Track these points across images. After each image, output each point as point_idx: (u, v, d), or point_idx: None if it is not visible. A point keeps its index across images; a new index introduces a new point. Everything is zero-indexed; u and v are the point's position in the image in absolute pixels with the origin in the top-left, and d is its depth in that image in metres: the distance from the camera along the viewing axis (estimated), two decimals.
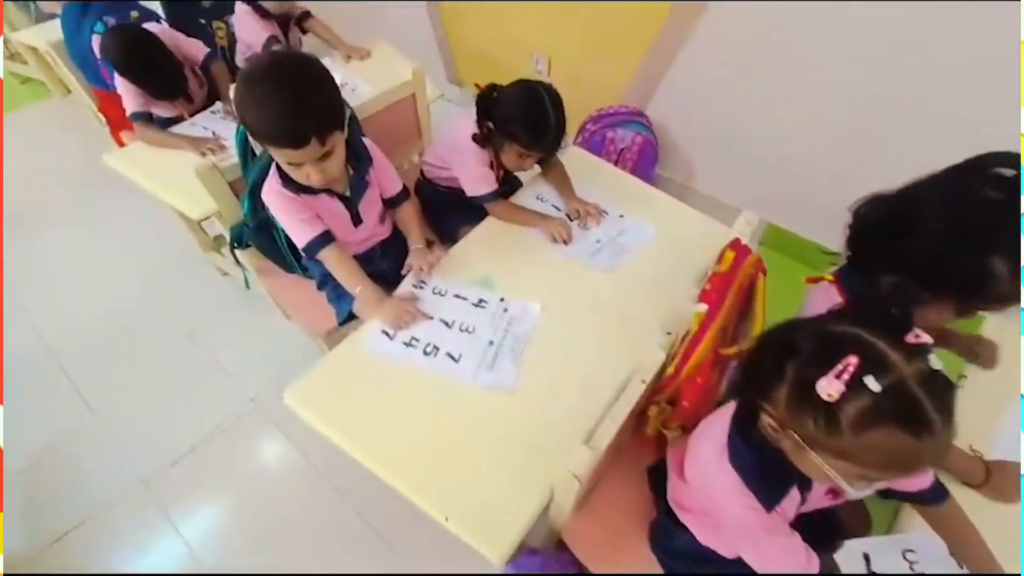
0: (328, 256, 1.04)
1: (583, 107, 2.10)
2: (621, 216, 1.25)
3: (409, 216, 1.18)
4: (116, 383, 1.62)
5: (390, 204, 1.19)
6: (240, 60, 1.81)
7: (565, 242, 1.15)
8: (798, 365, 0.54)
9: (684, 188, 1.97)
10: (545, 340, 1.00)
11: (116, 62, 1.37)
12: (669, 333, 0.94)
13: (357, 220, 1.11)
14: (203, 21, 1.85)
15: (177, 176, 1.30)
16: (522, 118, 1.10)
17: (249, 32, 1.66)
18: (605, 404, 0.84)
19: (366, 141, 1.11)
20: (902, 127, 1.45)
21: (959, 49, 1.26)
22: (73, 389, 1.60)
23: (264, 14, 1.63)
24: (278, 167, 0.98)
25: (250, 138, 1.04)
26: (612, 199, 1.28)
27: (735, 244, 0.96)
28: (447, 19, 2.29)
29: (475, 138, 1.16)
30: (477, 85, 1.22)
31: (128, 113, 1.43)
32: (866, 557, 0.71)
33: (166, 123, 1.50)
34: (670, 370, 0.82)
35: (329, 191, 1.03)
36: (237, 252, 1.29)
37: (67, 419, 1.53)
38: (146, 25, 1.46)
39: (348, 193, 1.07)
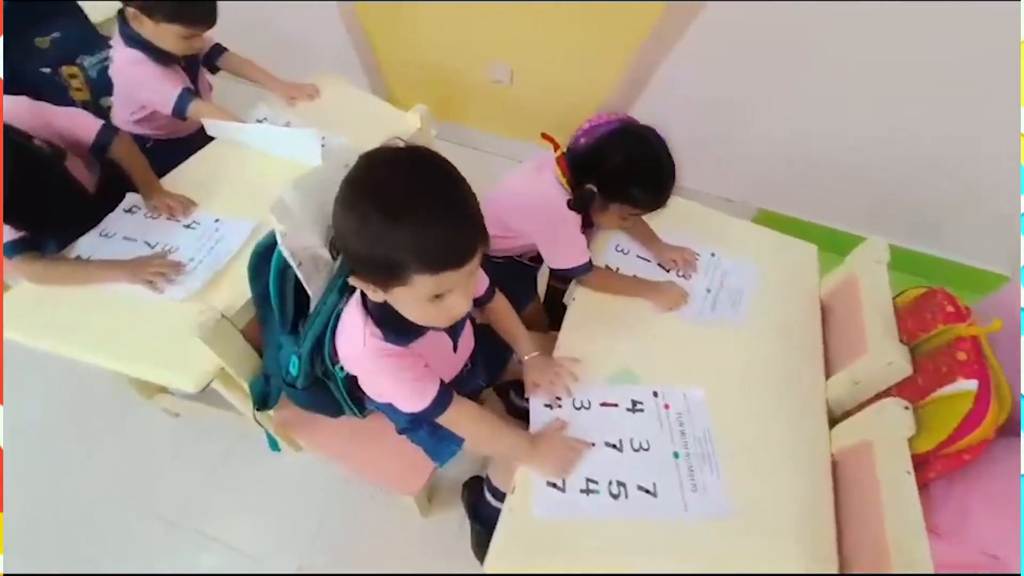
0: (456, 418, 0.76)
1: (558, 119, 1.93)
2: (712, 255, 1.13)
3: (507, 317, 0.93)
4: None
5: (477, 304, 0.92)
6: (124, 120, 1.29)
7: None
8: None
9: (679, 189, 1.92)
10: (728, 434, 0.86)
11: None
12: (858, 383, 0.86)
13: (455, 344, 0.84)
14: (46, 69, 1.29)
15: (123, 332, 0.89)
16: (642, 177, 0.90)
17: (146, 87, 1.17)
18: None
19: None
20: (903, 125, 1.52)
21: (959, 47, 1.32)
22: None
23: (162, 58, 1.16)
24: (370, 312, 0.68)
25: (352, 271, 0.67)
26: (687, 235, 1.15)
27: (960, 312, 0.82)
28: (367, 23, 1.89)
29: (571, 204, 0.94)
30: (547, 137, 0.99)
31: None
32: None
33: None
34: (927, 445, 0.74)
35: None
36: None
37: None
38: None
39: None
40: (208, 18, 1.10)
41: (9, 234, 0.91)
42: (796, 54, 1.49)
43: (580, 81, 1.78)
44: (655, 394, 0.90)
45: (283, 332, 0.79)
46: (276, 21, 2.00)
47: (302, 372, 0.78)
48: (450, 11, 1.74)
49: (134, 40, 1.12)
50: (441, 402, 0.74)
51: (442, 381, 0.75)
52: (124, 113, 1.28)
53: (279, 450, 1.03)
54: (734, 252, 1.13)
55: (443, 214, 0.56)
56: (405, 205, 0.55)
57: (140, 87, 1.17)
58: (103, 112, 1.40)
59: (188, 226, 1.06)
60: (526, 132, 2.01)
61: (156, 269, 0.94)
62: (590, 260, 0.99)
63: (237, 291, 0.91)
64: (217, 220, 1.07)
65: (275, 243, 0.73)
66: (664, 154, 0.90)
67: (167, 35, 1.10)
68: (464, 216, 0.58)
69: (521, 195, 1.01)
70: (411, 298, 0.61)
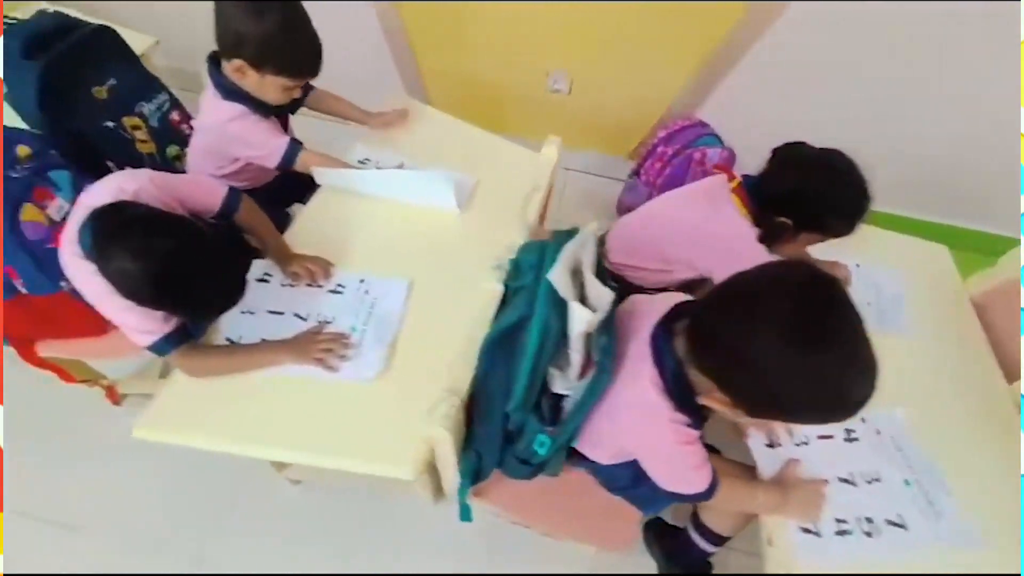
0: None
1: (618, 127, 1.89)
2: (857, 266, 1.13)
3: None
4: None
5: None
6: (204, 174, 1.16)
7: None
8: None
9: None
10: (939, 450, 0.87)
11: (137, 291, 0.70)
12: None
13: None
14: (110, 123, 1.14)
15: (311, 421, 0.81)
16: (845, 206, 0.88)
17: (249, 142, 1.03)
18: None
19: None
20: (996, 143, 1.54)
21: None
22: None
23: (262, 109, 1.02)
24: (671, 395, 0.65)
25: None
26: (822, 246, 1.14)
27: None
28: (411, 26, 1.76)
29: (763, 239, 0.91)
30: (722, 168, 0.95)
31: (149, 344, 0.80)
32: None
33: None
34: None
35: None
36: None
37: None
38: (121, 182, 0.80)
39: None
40: (317, 68, 0.99)
41: (158, 325, 0.80)
42: (881, 55, 1.49)
43: (643, 88, 1.74)
44: (863, 420, 0.90)
45: (522, 410, 0.73)
46: None
47: (552, 452, 0.73)
48: (507, 18, 1.65)
49: (234, 93, 0.99)
50: (715, 480, 0.71)
51: None
52: (207, 167, 1.14)
53: (471, 519, 0.97)
54: (876, 260, 1.14)
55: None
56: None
57: (240, 142, 1.04)
58: (169, 163, 1.26)
59: (333, 291, 0.97)
60: (582, 142, 1.96)
61: (324, 346, 0.85)
62: None
63: (425, 364, 0.85)
64: (362, 280, 0.98)
65: (519, 326, 0.68)
66: (863, 179, 0.88)
67: (272, 87, 0.98)
68: None
69: (699, 229, 0.97)
70: None
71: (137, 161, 1.18)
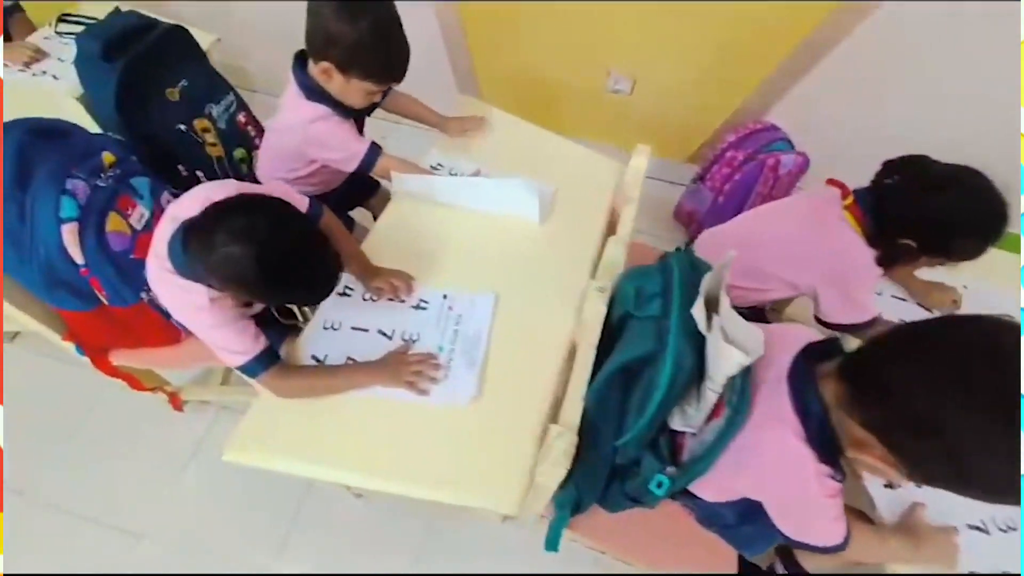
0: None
1: (679, 129, 1.81)
2: (965, 287, 1.05)
3: None
4: None
5: None
6: (274, 177, 1.13)
7: None
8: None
9: None
10: None
11: (243, 276, 0.66)
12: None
13: None
14: (182, 126, 1.11)
15: (407, 449, 0.77)
16: (984, 230, 0.81)
17: (330, 145, 0.99)
18: None
19: None
20: None
21: None
22: None
23: (343, 112, 0.98)
24: (816, 446, 0.59)
25: None
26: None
27: None
28: (469, 22, 1.70)
29: (881, 261, 0.85)
30: (835, 183, 0.89)
31: (239, 365, 0.76)
32: None
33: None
34: None
35: None
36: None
37: None
38: (209, 192, 0.76)
39: None
40: (403, 74, 0.95)
41: (249, 345, 0.77)
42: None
43: (711, 90, 1.66)
44: None
45: (638, 447, 0.68)
46: None
47: (669, 494, 0.68)
48: (570, 15, 1.58)
49: (317, 93, 0.95)
50: (849, 532, 0.66)
51: None
52: (280, 170, 1.11)
53: (558, 550, 0.93)
54: (979, 278, 1.06)
55: None
56: None
57: (319, 144, 1.00)
58: (236, 167, 1.23)
59: (416, 306, 0.93)
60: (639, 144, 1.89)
61: (415, 368, 0.81)
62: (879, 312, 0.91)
63: (518, 386, 0.80)
64: (445, 296, 0.94)
65: (647, 359, 0.63)
66: (1002, 200, 0.81)
67: (357, 91, 0.94)
68: None
69: (807, 247, 0.91)
70: None
71: (207, 165, 1.16)
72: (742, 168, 1.55)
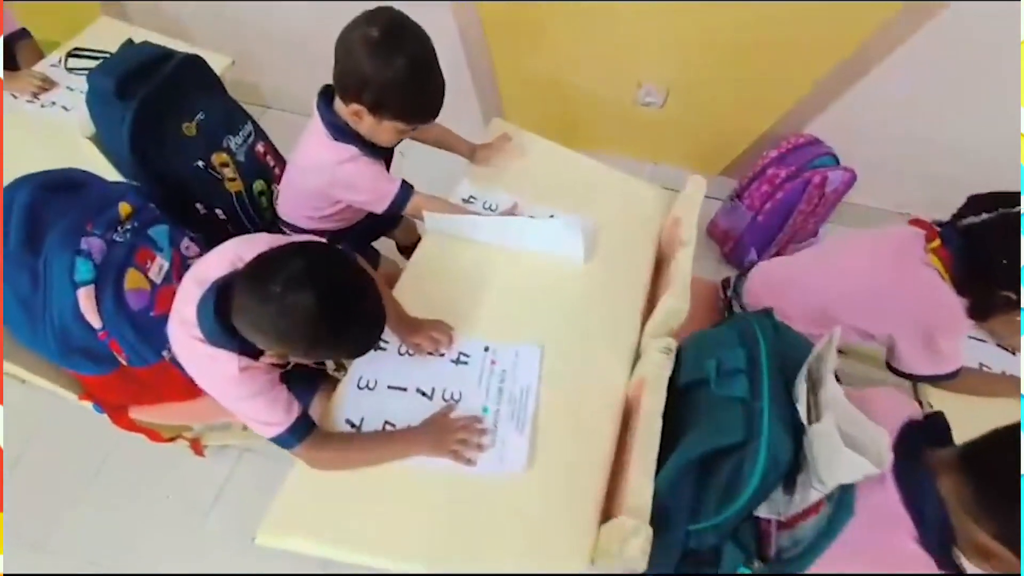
0: None
1: (713, 142, 1.73)
2: None
3: None
4: None
5: None
6: (299, 216, 1.07)
7: None
8: None
9: (876, 211, 1.74)
10: None
11: (295, 328, 0.61)
12: None
13: None
14: (200, 163, 1.05)
15: (460, 525, 0.71)
16: None
17: (359, 186, 0.92)
18: None
19: None
20: None
21: None
22: None
23: (372, 152, 0.92)
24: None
25: None
26: None
27: None
28: (491, 29, 1.61)
29: (973, 312, 0.76)
30: (919, 223, 0.81)
31: (273, 437, 0.70)
32: None
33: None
34: None
35: None
36: None
37: None
38: (238, 250, 0.70)
39: None
40: (437, 113, 0.88)
41: (282, 416, 0.71)
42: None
43: (750, 102, 1.57)
44: None
45: (718, 534, 0.61)
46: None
47: None
48: (599, 23, 1.50)
49: (347, 134, 0.88)
50: None
51: None
52: (304, 207, 1.05)
53: None
54: None
55: None
56: None
57: (349, 186, 0.93)
58: (255, 200, 1.17)
59: (456, 360, 0.86)
60: (669, 158, 1.82)
61: (460, 436, 0.75)
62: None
63: (572, 451, 0.74)
64: (487, 348, 0.87)
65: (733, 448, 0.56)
66: None
67: (388, 131, 0.87)
68: None
69: (883, 292, 0.83)
70: None
71: (226, 202, 1.09)
72: (783, 186, 1.46)
